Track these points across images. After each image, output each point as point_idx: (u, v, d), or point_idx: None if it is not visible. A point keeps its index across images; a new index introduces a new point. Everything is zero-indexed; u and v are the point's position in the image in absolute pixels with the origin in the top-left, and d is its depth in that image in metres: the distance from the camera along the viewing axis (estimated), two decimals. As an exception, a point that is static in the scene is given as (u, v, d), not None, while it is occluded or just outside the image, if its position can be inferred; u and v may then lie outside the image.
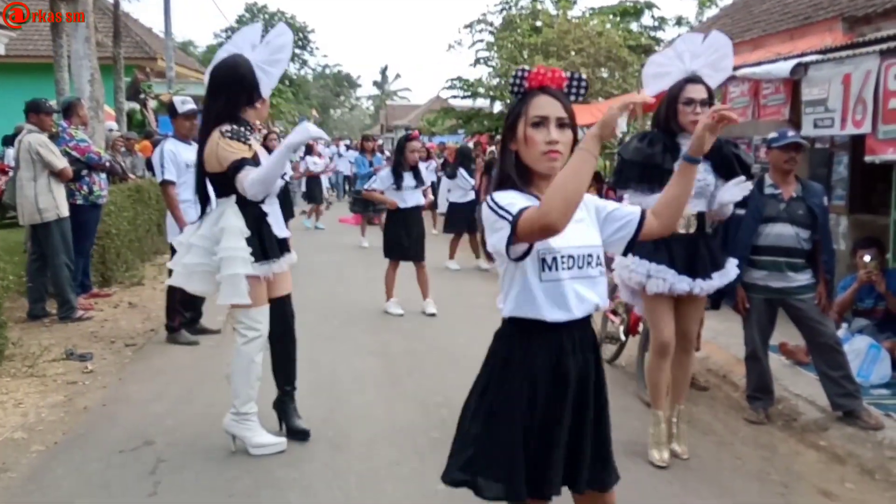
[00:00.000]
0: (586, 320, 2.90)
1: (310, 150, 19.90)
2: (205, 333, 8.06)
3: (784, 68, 8.76)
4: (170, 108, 7.92)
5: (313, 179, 19.00)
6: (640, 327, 6.78)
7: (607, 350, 7.28)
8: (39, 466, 4.96)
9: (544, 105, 2.82)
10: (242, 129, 4.96)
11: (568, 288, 2.83)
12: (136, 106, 19.63)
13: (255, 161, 4.90)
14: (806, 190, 5.95)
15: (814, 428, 5.84)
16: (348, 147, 30.45)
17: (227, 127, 4.90)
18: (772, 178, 6.03)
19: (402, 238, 9.40)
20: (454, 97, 28.82)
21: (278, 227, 5.15)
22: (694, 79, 5.04)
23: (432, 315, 9.18)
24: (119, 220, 10.85)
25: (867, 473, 5.11)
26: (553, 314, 2.82)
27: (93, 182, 9.27)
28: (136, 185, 12.27)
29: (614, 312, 7.31)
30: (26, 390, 6.41)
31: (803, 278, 5.87)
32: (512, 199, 2.76)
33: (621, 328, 7.28)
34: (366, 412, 5.95)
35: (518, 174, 2.88)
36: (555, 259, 2.82)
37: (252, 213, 4.98)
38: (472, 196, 13.70)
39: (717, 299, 5.68)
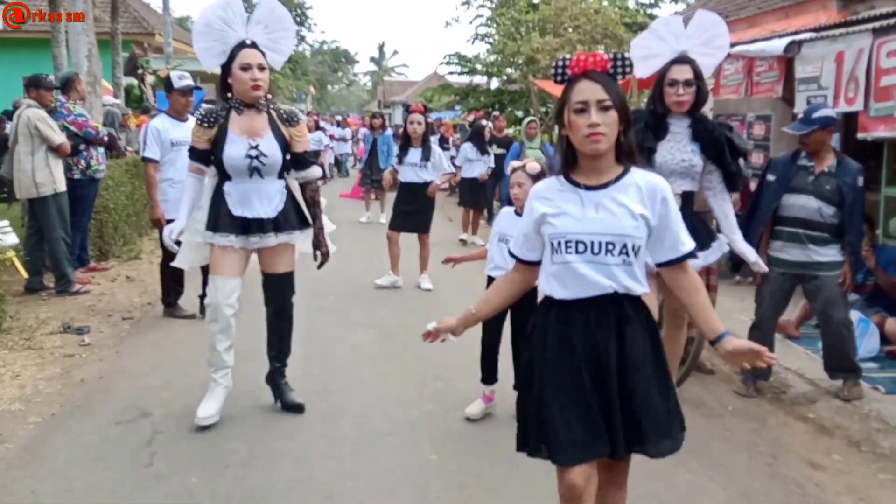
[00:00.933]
0: (603, 299, 2.98)
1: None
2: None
3: (778, 46, 8.80)
4: (166, 83, 7.84)
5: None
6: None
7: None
8: (36, 437, 5.01)
9: (584, 90, 2.90)
10: (215, 109, 5.14)
11: (577, 270, 2.96)
12: (134, 81, 19.60)
13: (199, 149, 5.12)
14: (841, 167, 5.86)
15: (802, 401, 5.94)
16: (339, 124, 30.58)
17: (201, 109, 5.15)
18: (808, 151, 6.00)
19: (402, 210, 9.49)
20: (451, 73, 28.78)
21: (242, 207, 5.10)
22: (681, 59, 5.03)
23: (427, 290, 9.25)
24: (117, 195, 10.90)
25: (854, 445, 5.20)
26: (560, 293, 3.01)
27: (90, 156, 9.30)
28: (134, 159, 12.26)
29: None
30: (24, 363, 6.47)
31: (827, 254, 5.82)
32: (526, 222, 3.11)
33: None
34: (360, 384, 6.02)
35: (568, 158, 3.03)
36: (560, 244, 2.97)
37: (217, 188, 5.15)
38: (477, 171, 13.88)
39: (737, 263, 5.90)
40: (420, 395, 5.81)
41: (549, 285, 3.04)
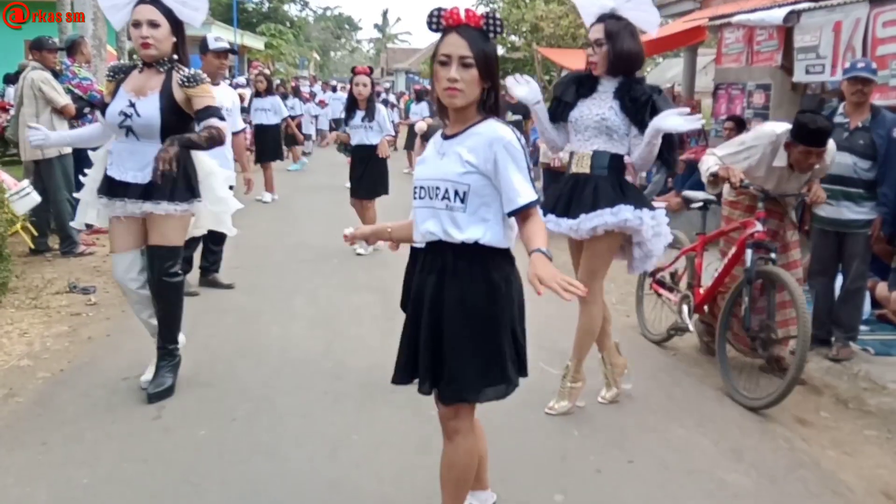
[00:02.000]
0: (435, 246, 3.10)
1: (295, 93, 19.83)
2: (216, 286, 7.73)
3: (777, 15, 8.88)
4: (201, 45, 7.50)
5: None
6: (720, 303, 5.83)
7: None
8: (46, 392, 5.12)
9: (450, 44, 2.96)
10: (125, 65, 5.07)
11: (418, 215, 3.14)
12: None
13: (105, 103, 4.96)
14: (875, 120, 5.89)
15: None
16: (335, 90, 30.35)
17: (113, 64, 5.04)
18: (844, 108, 6.06)
19: (354, 175, 9.60)
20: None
21: (115, 167, 4.85)
22: (600, 18, 4.80)
23: (359, 255, 9.26)
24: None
25: (842, 403, 5.37)
26: (413, 236, 3.25)
27: (95, 120, 9.33)
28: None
29: (683, 299, 6.18)
30: (31, 321, 6.56)
31: (860, 211, 5.90)
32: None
33: (686, 310, 6.10)
34: (363, 344, 6.12)
35: (439, 105, 3.14)
36: (415, 188, 3.15)
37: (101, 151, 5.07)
38: None
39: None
40: None
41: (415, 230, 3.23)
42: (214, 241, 7.45)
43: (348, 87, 10.08)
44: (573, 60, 17.49)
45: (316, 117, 24.58)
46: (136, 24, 4.71)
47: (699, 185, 10.27)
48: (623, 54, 4.71)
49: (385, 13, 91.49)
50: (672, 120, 4.47)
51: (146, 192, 4.78)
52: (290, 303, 7.24)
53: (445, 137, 3.12)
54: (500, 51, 25.25)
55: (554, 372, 5.25)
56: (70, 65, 9.23)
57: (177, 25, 4.83)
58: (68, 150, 8.67)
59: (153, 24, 4.71)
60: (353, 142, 9.44)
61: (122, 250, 4.95)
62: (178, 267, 5.05)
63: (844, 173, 5.86)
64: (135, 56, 5.66)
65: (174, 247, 4.96)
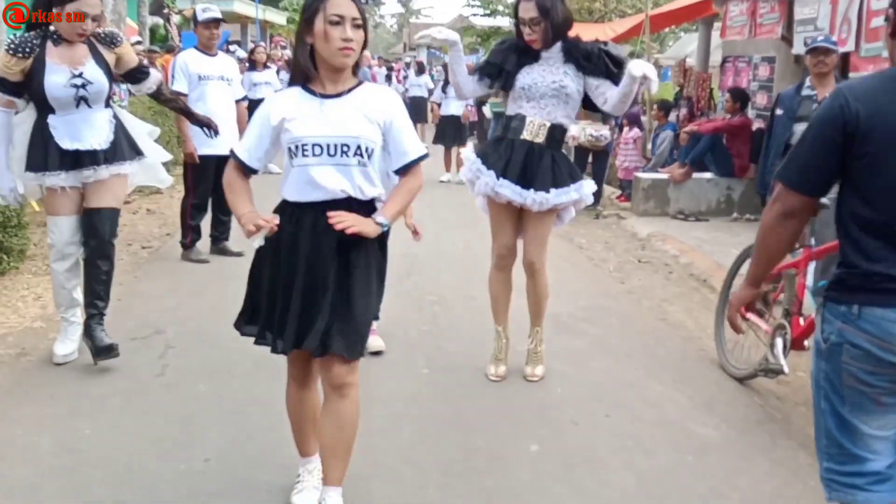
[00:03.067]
0: (333, 204, 3.14)
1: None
2: (225, 254, 7.92)
3: None
4: (193, 17, 7.84)
5: None
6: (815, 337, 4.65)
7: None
8: (57, 351, 5.37)
9: (341, 5, 3.07)
10: (29, 38, 4.96)
11: (313, 173, 3.14)
12: (160, 21, 19.77)
13: (11, 81, 4.83)
14: None
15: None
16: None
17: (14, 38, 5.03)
18: (811, 81, 6.26)
19: None
20: (474, 15, 28.71)
21: (72, 139, 4.88)
22: None
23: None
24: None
25: None
26: (294, 196, 3.21)
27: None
28: (156, 97, 12.57)
29: (779, 328, 4.91)
30: (46, 286, 6.77)
31: None
32: (261, 119, 3.27)
33: (780, 345, 4.83)
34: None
35: (308, 69, 3.19)
36: (298, 147, 3.15)
37: (39, 123, 4.92)
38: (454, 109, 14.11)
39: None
40: (419, 317, 6.14)
41: (285, 189, 3.24)
42: (223, 211, 7.69)
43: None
44: (588, 34, 17.49)
45: None
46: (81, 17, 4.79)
47: (702, 157, 10.46)
48: (560, 25, 4.72)
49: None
50: (643, 66, 4.48)
51: (108, 156, 4.94)
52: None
53: (325, 96, 3.19)
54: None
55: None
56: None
57: None
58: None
59: (93, 19, 4.86)
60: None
61: (68, 213, 4.99)
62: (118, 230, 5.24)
63: None
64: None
65: (120, 208, 5.19)
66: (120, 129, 5.05)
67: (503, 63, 4.85)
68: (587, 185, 4.94)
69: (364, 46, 3.18)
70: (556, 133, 4.82)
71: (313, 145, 3.14)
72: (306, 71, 3.20)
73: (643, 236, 9.60)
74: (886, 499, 2.58)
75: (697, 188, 10.71)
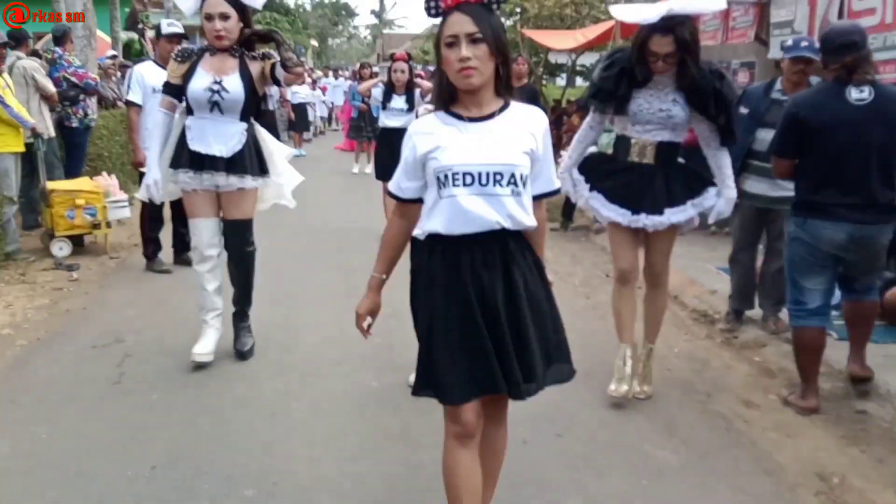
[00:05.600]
0: (489, 236, 2.92)
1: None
2: (188, 265, 7.54)
3: None
4: (156, 30, 7.99)
5: (298, 109, 19.58)
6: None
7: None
8: (22, 357, 5.61)
9: (454, 24, 2.83)
10: (192, 48, 5.33)
11: (465, 203, 2.88)
12: (135, 36, 19.92)
13: (173, 84, 5.22)
14: None
15: (752, 345, 6.09)
16: (336, 76, 30.49)
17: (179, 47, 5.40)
18: (782, 84, 5.95)
19: (387, 159, 9.50)
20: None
21: (198, 142, 5.21)
22: (665, 25, 4.43)
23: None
24: (111, 144, 11.48)
25: (794, 387, 5.21)
26: (447, 229, 2.92)
27: (87, 106, 9.81)
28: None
29: None
30: (17, 294, 7.05)
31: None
32: (406, 155, 3.03)
33: None
34: (318, 319, 6.48)
35: (448, 93, 2.96)
36: (448, 177, 2.89)
37: (184, 125, 5.27)
38: None
39: None
40: (374, 330, 6.16)
41: (434, 222, 2.95)
42: (182, 223, 7.85)
43: (350, 73, 10.35)
44: (559, 41, 17.54)
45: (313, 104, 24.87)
46: (209, 18, 5.05)
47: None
48: (696, 57, 4.53)
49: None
50: (718, 206, 4.84)
51: (229, 165, 5.22)
52: (256, 279, 7.53)
53: (471, 120, 2.95)
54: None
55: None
56: (63, 54, 9.66)
57: (244, 11, 5.17)
58: (53, 133, 9.16)
59: (224, 17, 5.05)
60: (388, 125, 9.54)
61: (208, 216, 5.37)
62: (253, 237, 5.56)
63: None
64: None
65: (250, 219, 5.47)
66: (251, 144, 5.31)
67: (616, 90, 4.70)
68: (710, 194, 4.85)
69: (507, 64, 2.93)
70: (665, 151, 4.75)
71: (464, 174, 2.89)
72: (444, 97, 2.99)
73: (612, 249, 9.40)
74: (816, 323, 4.88)
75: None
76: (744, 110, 5.91)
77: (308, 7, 73.84)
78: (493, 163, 2.87)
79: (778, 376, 5.53)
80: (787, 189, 5.46)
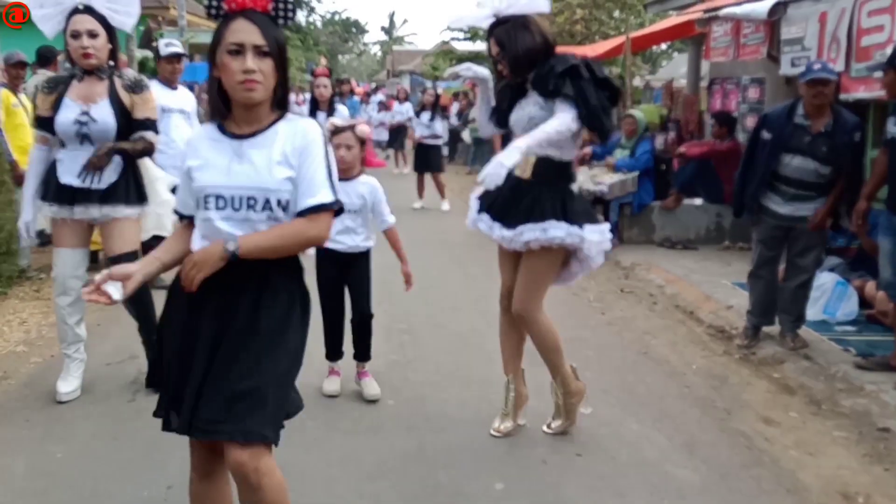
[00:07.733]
0: (238, 263, 2.73)
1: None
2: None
3: (762, 10, 8.78)
4: (154, 51, 7.76)
5: None
6: None
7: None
8: (36, 375, 5.58)
9: (239, 31, 2.68)
10: (61, 76, 5.13)
11: (218, 227, 2.77)
12: (150, 54, 19.95)
13: (43, 117, 4.94)
14: (837, 125, 5.84)
15: (771, 361, 6.03)
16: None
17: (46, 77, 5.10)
18: (804, 108, 5.92)
19: None
20: (454, 39, 28.74)
21: (70, 175, 4.93)
22: (490, 30, 4.46)
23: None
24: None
25: (814, 404, 5.26)
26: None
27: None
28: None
29: None
30: (31, 311, 7.05)
31: (812, 208, 5.93)
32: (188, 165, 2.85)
33: None
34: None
35: (221, 102, 2.81)
36: (202, 199, 2.78)
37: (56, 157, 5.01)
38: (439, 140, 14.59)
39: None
40: (387, 346, 6.14)
41: (196, 244, 2.84)
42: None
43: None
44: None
45: None
46: (76, 35, 4.78)
47: (690, 182, 10.30)
48: (520, 57, 4.36)
49: (392, 15, 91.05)
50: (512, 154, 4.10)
51: (104, 197, 4.96)
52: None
53: (234, 137, 2.80)
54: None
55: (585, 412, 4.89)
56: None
57: (111, 32, 4.92)
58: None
59: (92, 35, 4.80)
60: None
61: (75, 246, 5.06)
62: None
63: (806, 178, 5.88)
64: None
65: (135, 251, 5.10)
66: (126, 173, 5.04)
67: (499, 103, 4.64)
68: (555, 227, 4.33)
69: (285, 82, 2.80)
70: (543, 168, 4.38)
71: (217, 197, 2.77)
72: (217, 108, 2.83)
73: (627, 265, 9.29)
74: None
75: (685, 215, 10.38)
76: (766, 135, 6.01)
77: (319, 24, 73.93)
78: (247, 185, 2.75)
79: (797, 393, 5.50)
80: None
